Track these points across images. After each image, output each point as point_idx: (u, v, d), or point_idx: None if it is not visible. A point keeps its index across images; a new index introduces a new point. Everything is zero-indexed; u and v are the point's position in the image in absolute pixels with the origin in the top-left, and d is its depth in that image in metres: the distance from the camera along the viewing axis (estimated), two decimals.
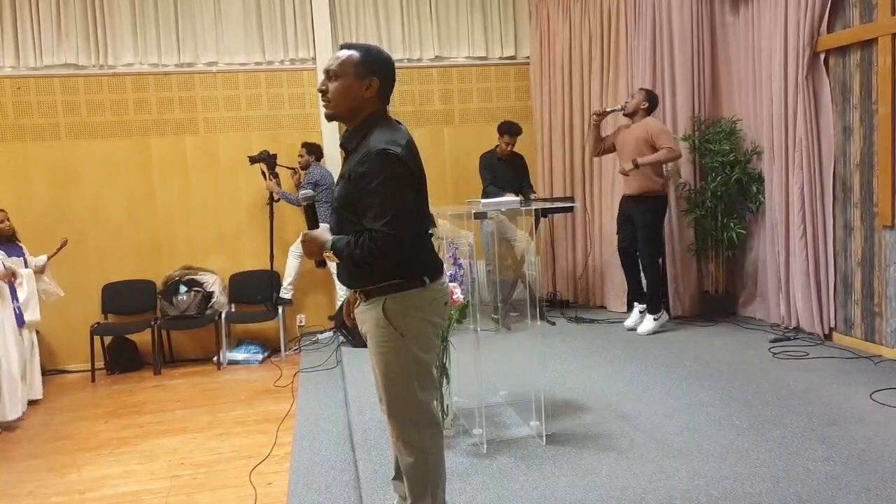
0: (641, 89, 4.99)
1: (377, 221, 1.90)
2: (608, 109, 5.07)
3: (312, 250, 2.05)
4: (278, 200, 5.56)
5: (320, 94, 2.06)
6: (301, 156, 5.66)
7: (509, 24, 6.30)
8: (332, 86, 2.02)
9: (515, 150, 5.57)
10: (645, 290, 5.02)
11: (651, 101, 4.90)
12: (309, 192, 2.12)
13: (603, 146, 5.13)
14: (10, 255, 4.51)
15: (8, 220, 4.68)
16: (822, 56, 4.37)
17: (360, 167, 1.93)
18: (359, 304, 2.14)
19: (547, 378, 3.33)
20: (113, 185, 5.66)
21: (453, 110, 6.26)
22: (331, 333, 5.62)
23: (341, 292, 5.66)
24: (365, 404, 3.69)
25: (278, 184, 5.59)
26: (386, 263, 1.97)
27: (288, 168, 5.77)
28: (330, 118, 2.08)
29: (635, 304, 5.12)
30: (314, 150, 5.67)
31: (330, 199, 5.57)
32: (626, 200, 5.01)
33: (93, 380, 5.25)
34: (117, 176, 5.67)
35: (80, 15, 5.55)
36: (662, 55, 5.31)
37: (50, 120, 5.59)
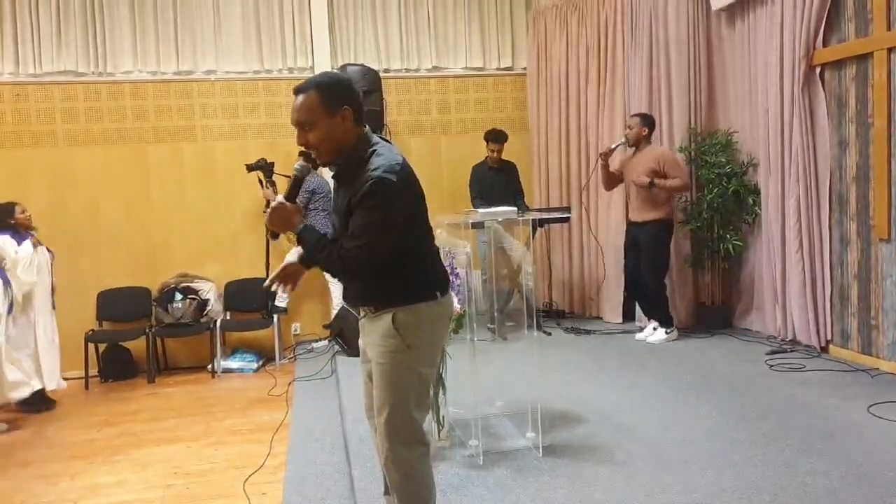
0: (635, 115, 5.02)
1: (352, 241, 1.96)
2: (613, 147, 5.07)
3: (277, 221, 2.05)
4: None
5: (304, 149, 2.05)
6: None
7: (507, 35, 6.34)
8: (311, 137, 1.98)
9: (506, 157, 5.59)
10: (654, 308, 5.04)
11: (650, 126, 4.95)
12: (303, 163, 2.11)
13: (615, 179, 5.15)
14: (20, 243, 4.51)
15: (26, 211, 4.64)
16: (818, 70, 4.40)
17: (361, 192, 1.93)
18: (364, 316, 2.15)
19: (543, 389, 3.31)
20: (110, 191, 5.65)
21: (450, 120, 6.28)
22: (326, 342, 5.60)
23: (336, 301, 5.66)
24: (360, 415, 3.64)
25: (275, 192, 5.58)
26: (341, 276, 2.11)
27: (285, 176, 5.76)
28: (323, 165, 2.08)
29: (650, 320, 5.10)
30: (310, 159, 5.65)
31: (326, 207, 5.61)
32: (631, 227, 5.03)
33: (86, 387, 5.22)
34: (114, 183, 5.66)
35: (79, 22, 5.56)
36: (659, 67, 5.34)
37: (48, 127, 5.58)
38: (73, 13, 5.54)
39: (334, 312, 5.55)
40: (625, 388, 3.94)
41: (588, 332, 5.42)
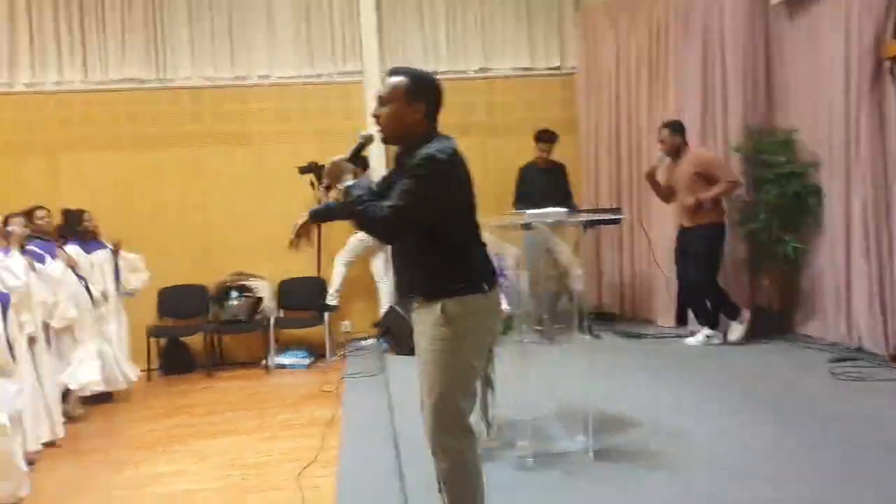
0: (663, 127, 4.93)
1: (389, 201, 2.06)
2: (655, 164, 5.00)
3: (332, 174, 2.17)
4: None
5: (374, 119, 2.21)
6: None
7: (555, 34, 6.29)
8: (383, 111, 2.17)
9: (555, 158, 5.54)
10: (713, 309, 4.91)
11: (681, 131, 4.88)
12: (368, 132, 2.26)
13: (670, 192, 5.05)
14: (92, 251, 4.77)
15: (49, 217, 4.76)
16: (888, 63, 4.20)
17: (409, 166, 2.09)
18: (415, 308, 2.23)
19: (594, 392, 3.27)
20: (169, 193, 5.86)
21: (497, 122, 6.27)
22: (375, 340, 5.67)
23: (385, 300, 5.73)
24: (411, 412, 3.68)
25: (325, 194, 5.68)
26: (370, 233, 2.23)
27: (319, 183, 5.87)
28: (385, 141, 2.24)
29: (702, 326, 4.97)
30: (361, 162, 5.75)
31: None
32: (682, 232, 4.95)
33: (149, 379, 5.44)
34: (174, 185, 5.87)
35: (141, 32, 5.81)
36: (714, 64, 5.20)
37: (114, 132, 5.84)
38: (136, 22, 5.79)
39: (382, 311, 5.63)
40: (679, 394, 3.85)
41: (640, 335, 5.32)
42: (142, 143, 5.87)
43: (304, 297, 5.79)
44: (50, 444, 3.86)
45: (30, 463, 3.48)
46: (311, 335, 5.82)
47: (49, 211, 4.57)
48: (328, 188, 2.22)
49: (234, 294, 5.62)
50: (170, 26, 5.84)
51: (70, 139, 5.80)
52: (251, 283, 5.77)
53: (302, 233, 2.49)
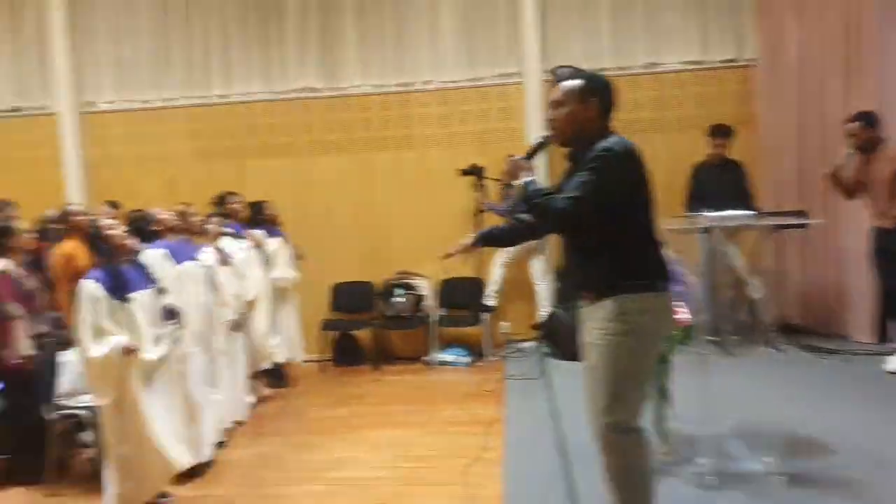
0: (853, 121, 4.38)
1: (566, 193, 2.14)
2: (839, 163, 4.48)
3: (512, 172, 2.28)
4: (485, 211, 5.76)
5: (549, 124, 2.31)
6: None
7: (729, 23, 5.87)
8: (558, 114, 2.26)
9: (731, 156, 5.16)
10: None
11: (875, 124, 4.34)
12: (545, 135, 2.37)
13: (856, 188, 4.53)
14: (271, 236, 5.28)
15: (240, 202, 5.30)
16: None
17: (586, 160, 2.16)
18: (586, 305, 2.27)
19: (780, 410, 3.02)
20: (341, 196, 6.28)
21: (665, 118, 5.98)
22: (534, 343, 5.67)
23: (544, 303, 5.71)
24: (577, 419, 3.64)
25: (486, 195, 5.79)
26: (549, 224, 2.34)
27: (495, 180, 5.93)
28: (560, 143, 2.31)
29: None
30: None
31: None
32: (880, 233, 4.40)
33: (323, 370, 5.86)
34: (345, 188, 6.28)
35: (315, 44, 6.25)
36: None
37: (291, 139, 6.37)
38: (311, 37, 6.23)
39: (541, 314, 5.61)
40: (880, 418, 3.44)
41: (830, 351, 4.81)
42: (316, 149, 6.34)
43: (464, 296, 5.93)
44: (239, 423, 4.29)
45: (220, 443, 3.87)
46: (471, 334, 5.95)
47: (240, 197, 5.25)
48: (506, 185, 2.34)
49: (399, 292, 5.89)
50: (340, 39, 6.25)
51: (255, 146, 6.40)
52: (414, 281, 6.01)
53: (463, 253, 2.61)
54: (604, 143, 2.15)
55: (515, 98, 6.04)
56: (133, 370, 3.04)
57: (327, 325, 5.97)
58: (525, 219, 2.52)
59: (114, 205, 5.28)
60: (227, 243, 4.56)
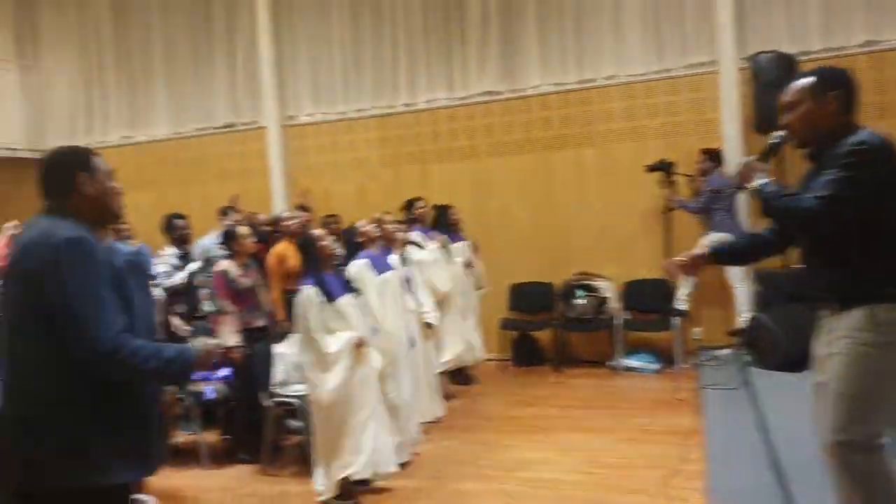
0: None
1: (815, 192, 1.98)
2: None
3: (745, 175, 2.17)
4: (675, 209, 5.45)
5: (784, 129, 2.18)
6: (699, 162, 5.44)
7: None
8: (791, 116, 2.13)
9: None
10: None
11: None
12: (781, 134, 2.20)
13: None
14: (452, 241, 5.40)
15: (426, 207, 5.49)
16: None
17: (837, 156, 2.00)
18: (830, 314, 2.09)
19: None
20: (520, 196, 6.28)
21: (890, 101, 5.19)
22: (733, 351, 5.21)
23: (742, 307, 5.23)
24: (790, 433, 3.28)
25: (675, 192, 5.47)
26: (792, 225, 2.12)
27: (686, 175, 5.59)
28: (800, 145, 2.18)
29: None
30: (714, 157, 5.40)
31: (729, 209, 5.22)
32: None
33: (503, 369, 5.90)
34: (523, 189, 6.27)
35: (495, 46, 6.30)
36: None
37: (471, 142, 6.49)
38: (492, 40, 6.29)
39: (740, 319, 5.15)
40: None
41: None
42: (497, 151, 6.40)
43: (650, 299, 5.63)
44: (435, 421, 4.40)
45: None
46: (659, 339, 5.62)
47: (426, 202, 5.48)
48: (739, 188, 2.25)
49: (580, 293, 5.74)
50: (521, 41, 6.24)
51: (437, 150, 6.61)
52: (595, 282, 5.83)
53: (689, 266, 2.40)
54: (854, 138, 2.00)
55: (708, 88, 5.63)
56: (356, 366, 3.29)
57: (506, 325, 6.00)
58: (763, 233, 2.34)
59: (304, 208, 5.76)
60: (413, 250, 4.75)
